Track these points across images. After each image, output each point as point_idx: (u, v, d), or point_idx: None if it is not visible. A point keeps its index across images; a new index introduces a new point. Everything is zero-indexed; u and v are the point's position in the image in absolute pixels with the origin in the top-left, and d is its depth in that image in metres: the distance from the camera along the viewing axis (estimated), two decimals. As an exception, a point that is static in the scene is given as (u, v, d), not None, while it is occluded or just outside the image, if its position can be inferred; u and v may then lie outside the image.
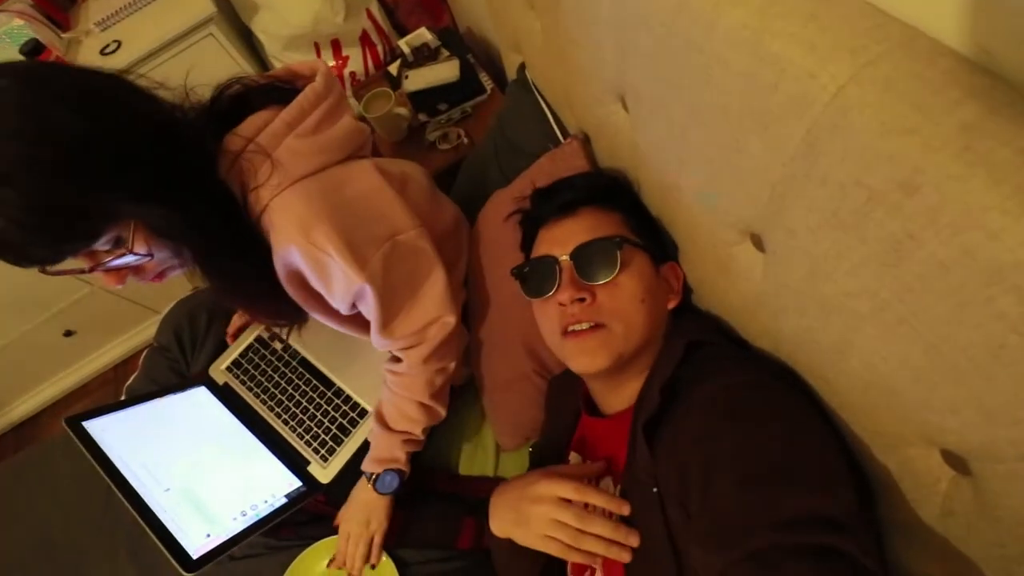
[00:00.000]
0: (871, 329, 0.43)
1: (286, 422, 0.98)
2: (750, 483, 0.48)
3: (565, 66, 0.80)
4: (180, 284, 1.13)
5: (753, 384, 0.56)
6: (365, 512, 0.87)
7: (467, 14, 1.51)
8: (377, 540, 0.87)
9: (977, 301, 0.33)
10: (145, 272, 0.66)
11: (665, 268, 0.73)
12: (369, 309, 0.76)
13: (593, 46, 0.67)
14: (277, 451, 0.95)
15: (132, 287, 0.99)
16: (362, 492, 0.88)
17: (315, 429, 0.97)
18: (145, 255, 0.62)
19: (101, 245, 0.59)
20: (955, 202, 0.32)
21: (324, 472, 0.94)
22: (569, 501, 0.59)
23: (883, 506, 0.54)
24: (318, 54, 1.54)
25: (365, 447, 0.94)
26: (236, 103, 0.72)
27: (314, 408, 0.99)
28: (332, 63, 1.56)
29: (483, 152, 1.12)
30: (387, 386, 0.88)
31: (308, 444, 0.96)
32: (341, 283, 0.71)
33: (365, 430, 0.96)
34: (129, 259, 0.62)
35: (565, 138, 0.93)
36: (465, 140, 1.30)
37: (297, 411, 0.99)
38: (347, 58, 1.56)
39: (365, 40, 1.56)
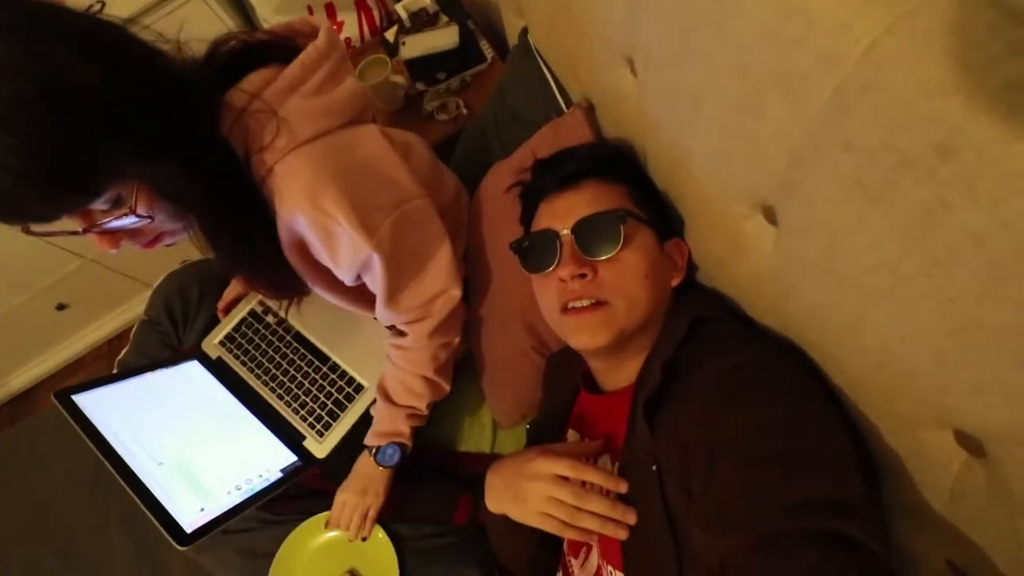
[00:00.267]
0: (890, 306, 0.40)
1: (281, 397, 0.97)
2: (755, 466, 0.47)
3: (570, 28, 0.76)
4: (172, 256, 1.11)
5: (758, 363, 0.54)
6: (364, 483, 0.87)
7: (467, -23, 1.45)
8: (372, 513, 0.86)
9: (1013, 275, 0.31)
10: (141, 236, 0.63)
11: (670, 244, 0.71)
12: (375, 279, 0.73)
13: (601, 2, 0.63)
14: (272, 426, 0.94)
15: (125, 259, 0.97)
16: (363, 464, 0.88)
17: (310, 404, 0.96)
18: (145, 216, 0.58)
19: (100, 204, 0.55)
20: (996, 167, 0.29)
21: (320, 447, 0.93)
22: (566, 478, 0.58)
23: (890, 488, 0.53)
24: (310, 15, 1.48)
25: (361, 422, 0.93)
26: (233, 60, 0.67)
27: (309, 383, 0.97)
28: (326, 28, 1.50)
29: (483, 122, 1.08)
30: (391, 361, 0.86)
31: (304, 419, 0.95)
32: (348, 251, 0.69)
33: (361, 405, 0.94)
34: (129, 220, 0.58)
35: (568, 107, 0.89)
36: (464, 111, 1.26)
37: (292, 386, 0.97)
38: (342, 23, 1.50)
39: (360, 4, 1.50)
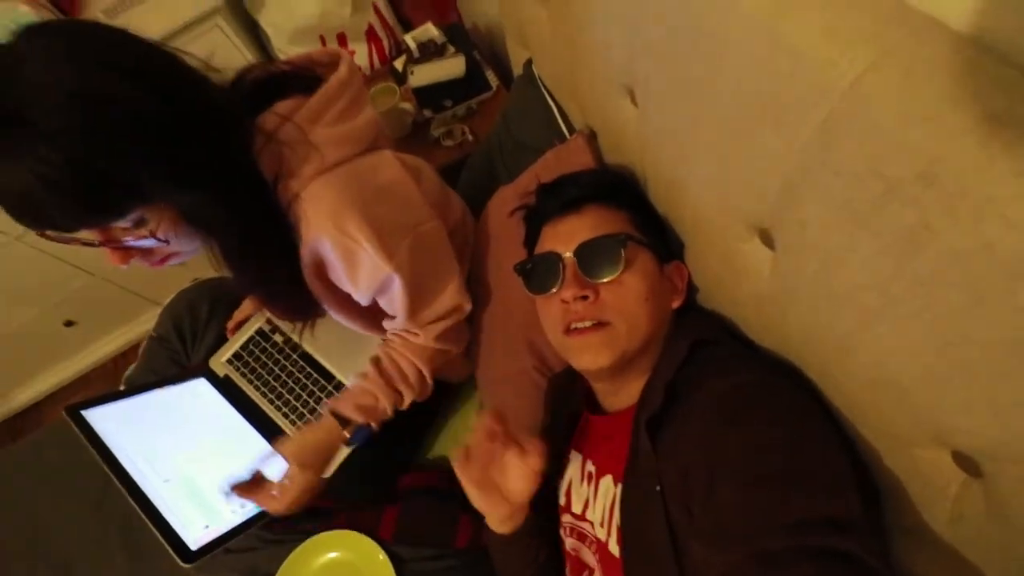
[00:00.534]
0: (882, 325, 0.42)
1: (286, 415, 0.98)
2: (755, 484, 0.47)
3: (573, 59, 0.79)
4: (181, 274, 1.13)
5: (757, 383, 0.55)
6: (316, 457, 0.80)
7: (474, 10, 1.51)
8: (294, 496, 0.78)
9: (996, 294, 0.32)
10: (153, 255, 0.64)
11: (670, 267, 0.72)
12: (394, 299, 0.75)
13: (603, 35, 0.66)
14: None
15: (134, 277, 0.99)
16: (325, 435, 0.82)
17: (315, 423, 0.96)
18: (163, 240, 0.60)
19: (122, 223, 0.57)
20: (975, 192, 0.31)
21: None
22: None
23: (891, 509, 0.53)
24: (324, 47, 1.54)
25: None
26: (257, 88, 0.70)
27: (314, 402, 0.98)
28: (338, 57, 1.55)
29: (488, 148, 1.11)
30: (390, 346, 0.85)
31: (307, 437, 0.95)
32: (368, 273, 0.71)
33: (365, 424, 0.95)
34: (147, 242, 0.60)
35: (571, 134, 0.92)
36: (470, 137, 1.30)
37: (297, 404, 0.98)
38: (353, 52, 1.56)
39: (371, 35, 1.55)
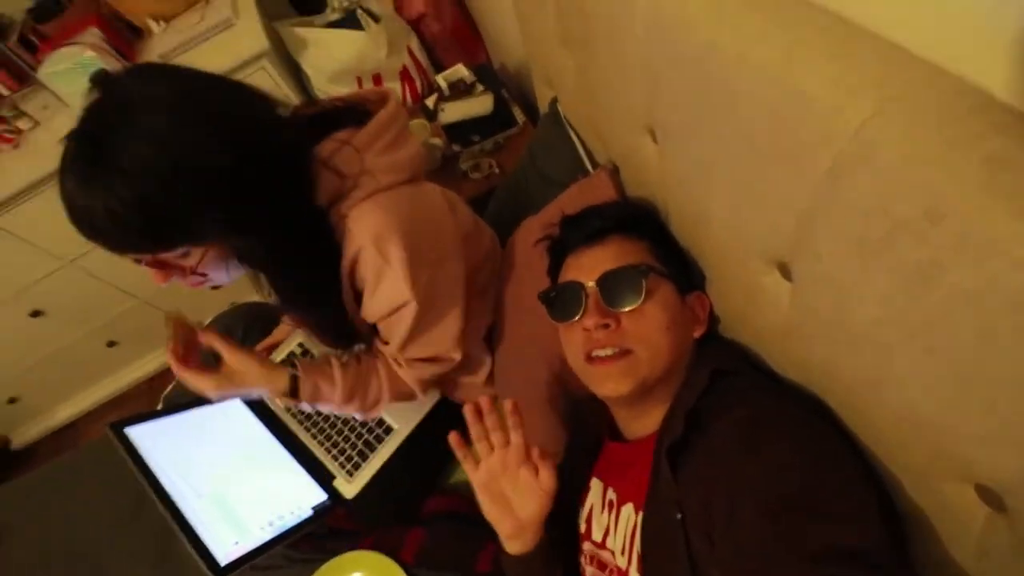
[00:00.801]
0: (900, 359, 0.43)
1: (314, 436, 1.01)
2: (775, 513, 0.47)
3: (596, 100, 0.83)
4: (218, 298, 1.19)
5: (779, 412, 0.56)
6: (244, 381, 0.78)
7: (502, 51, 1.58)
8: (211, 387, 0.77)
9: (1004, 329, 0.33)
10: (192, 278, 0.69)
11: (691, 297, 0.73)
12: (398, 325, 0.78)
13: (623, 83, 0.70)
14: (305, 464, 0.98)
15: (175, 300, 1.04)
16: (267, 379, 0.79)
17: (342, 444, 0.99)
18: (201, 274, 0.66)
19: (169, 254, 0.62)
20: (979, 231, 0.33)
21: (349, 487, 0.95)
22: None
23: (917, 543, 0.53)
24: (360, 87, 1.63)
25: (390, 463, 0.95)
26: (314, 122, 0.75)
27: (342, 423, 1.01)
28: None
29: (514, 181, 1.15)
30: (378, 362, 0.86)
31: (335, 459, 0.98)
32: (387, 295, 0.74)
33: (390, 447, 0.97)
34: (190, 277, 0.66)
35: (594, 169, 0.95)
36: (496, 170, 1.35)
37: (325, 426, 1.01)
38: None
39: (405, 75, 1.64)
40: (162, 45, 1.51)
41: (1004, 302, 0.33)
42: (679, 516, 0.55)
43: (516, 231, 1.01)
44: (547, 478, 0.65)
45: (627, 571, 0.63)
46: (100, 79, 0.58)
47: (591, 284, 0.69)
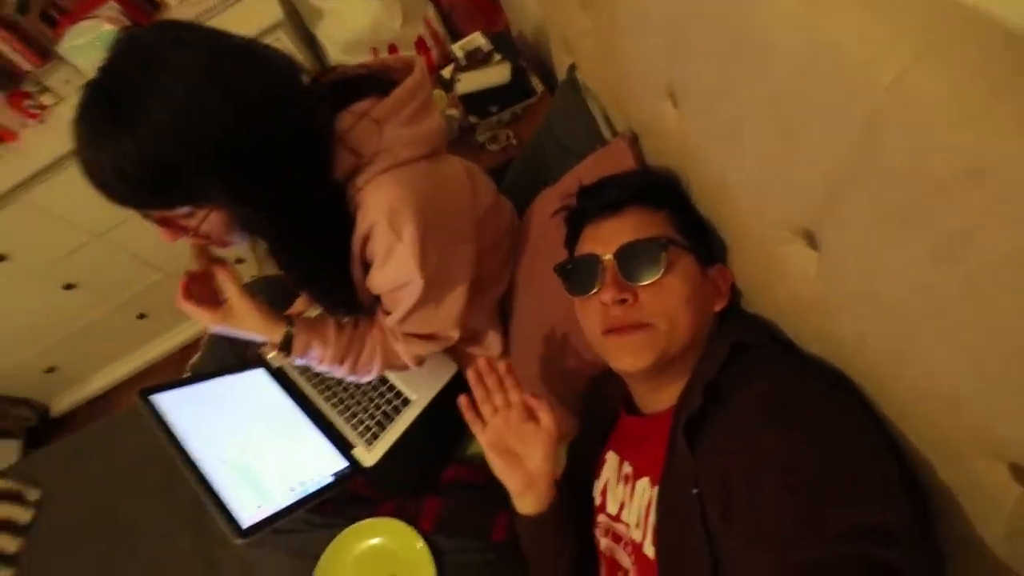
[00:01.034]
0: (930, 330, 0.41)
1: (334, 406, 1.03)
2: (797, 489, 0.46)
3: (615, 63, 0.80)
4: (242, 271, 1.20)
5: (801, 385, 0.54)
6: (241, 323, 0.77)
7: (521, 18, 1.53)
8: (209, 320, 0.77)
9: (1050, 297, 0.31)
10: (194, 238, 0.69)
11: (713, 270, 0.71)
12: (401, 300, 0.78)
13: (644, 40, 0.67)
14: (326, 432, 1.00)
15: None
16: (264, 327, 0.79)
17: (361, 414, 1.01)
18: (204, 236, 0.66)
19: (172, 211, 0.63)
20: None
21: (369, 455, 0.97)
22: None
23: (944, 524, 0.51)
24: (375, 58, 1.60)
25: (408, 434, 0.96)
26: (336, 89, 0.74)
27: (360, 394, 1.02)
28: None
29: (531, 152, 1.13)
30: (376, 328, 0.86)
31: (354, 428, 1.00)
32: (395, 269, 0.74)
33: (408, 417, 0.99)
34: (194, 237, 0.66)
35: (613, 137, 0.93)
36: (514, 141, 1.32)
37: (345, 396, 1.03)
38: (403, 61, 1.62)
39: (421, 45, 1.60)
40: (178, 16, 1.50)
41: (1052, 266, 0.30)
42: (695, 491, 0.55)
43: (533, 202, 0.99)
44: (545, 419, 0.68)
45: (642, 544, 0.63)
46: (128, 34, 0.58)
47: (608, 257, 0.67)
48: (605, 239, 0.69)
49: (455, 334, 0.85)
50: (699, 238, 0.72)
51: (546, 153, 1.07)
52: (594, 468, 0.77)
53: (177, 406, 0.92)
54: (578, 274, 0.71)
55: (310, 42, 1.65)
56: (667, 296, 0.65)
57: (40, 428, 2.04)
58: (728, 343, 0.62)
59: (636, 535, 0.65)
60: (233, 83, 0.58)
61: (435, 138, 0.75)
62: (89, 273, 1.70)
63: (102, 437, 1.37)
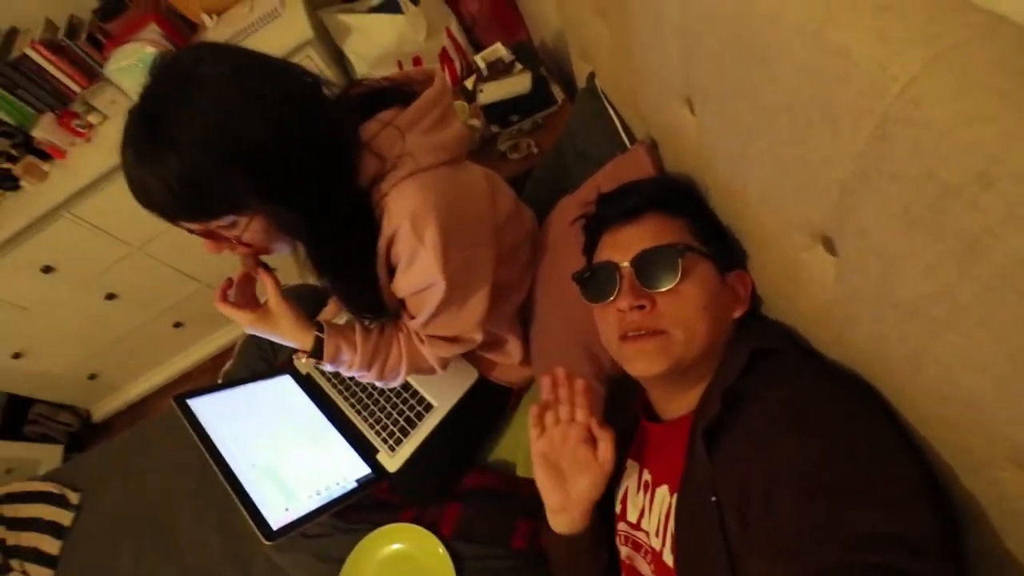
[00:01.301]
0: (949, 335, 0.40)
1: (359, 412, 1.05)
2: (817, 495, 0.46)
3: (632, 71, 0.81)
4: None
5: (821, 391, 0.54)
6: (275, 328, 0.81)
7: (541, 27, 1.56)
8: (245, 321, 0.81)
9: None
10: (239, 248, 0.73)
11: (732, 276, 0.71)
12: (424, 303, 0.80)
13: (659, 48, 0.67)
14: (350, 438, 1.02)
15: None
16: (295, 333, 0.82)
17: (385, 420, 1.03)
18: (247, 244, 0.70)
19: (216, 223, 0.66)
20: (1037, 194, 0.30)
21: (391, 461, 0.99)
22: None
23: (969, 533, 0.50)
24: (400, 71, 1.64)
25: (430, 440, 0.98)
26: (361, 101, 0.78)
27: (384, 400, 1.04)
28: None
29: (552, 160, 1.14)
30: (400, 332, 0.88)
31: (378, 434, 1.02)
32: (418, 273, 0.76)
33: (431, 424, 1.00)
34: (238, 247, 0.70)
35: (632, 144, 0.93)
36: (535, 150, 1.34)
37: (369, 403, 1.05)
38: (427, 74, 1.65)
39: (444, 57, 1.64)
40: (215, 37, 1.57)
41: (1066, 271, 0.30)
42: (714, 499, 0.54)
43: (553, 210, 1.00)
44: (605, 450, 0.65)
45: (661, 552, 0.63)
46: (163, 58, 0.63)
47: (625, 264, 0.67)
48: (622, 246, 0.70)
49: (478, 336, 0.87)
50: (718, 244, 0.71)
51: (566, 161, 1.08)
52: (614, 476, 0.76)
53: (210, 410, 0.96)
54: (596, 281, 0.71)
55: (338, 57, 1.70)
56: (684, 303, 0.65)
57: (81, 433, 2.14)
58: (747, 349, 0.62)
59: (656, 543, 0.64)
60: (259, 92, 0.62)
61: (456, 146, 0.78)
62: (129, 284, 1.78)
63: (139, 442, 1.43)
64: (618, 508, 0.74)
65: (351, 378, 1.08)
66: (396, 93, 0.79)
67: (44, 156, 1.53)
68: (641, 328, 0.65)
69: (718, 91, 0.58)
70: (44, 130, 1.51)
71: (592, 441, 0.67)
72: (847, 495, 0.45)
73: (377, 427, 1.03)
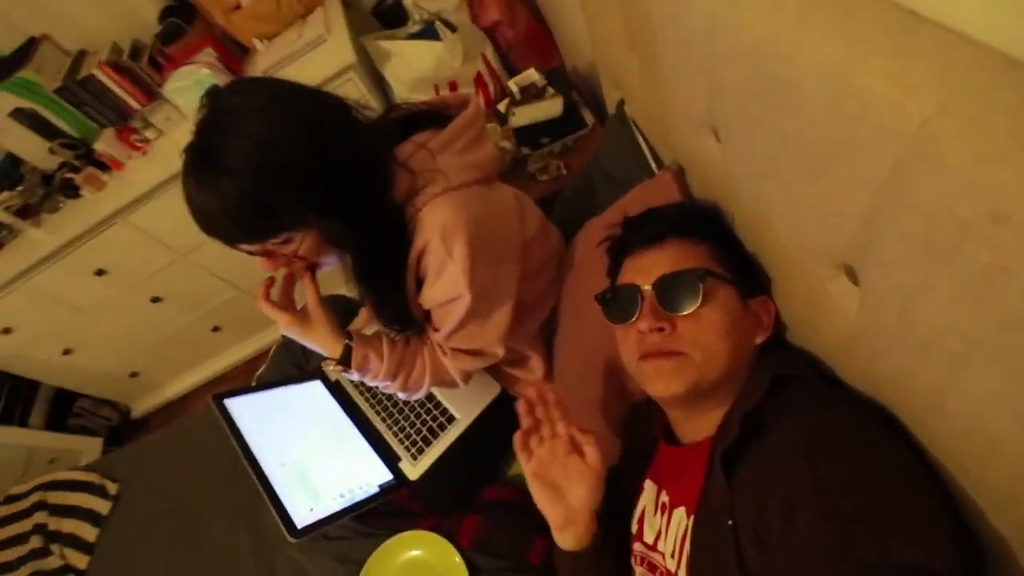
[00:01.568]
0: (968, 369, 0.40)
1: (384, 420, 1.08)
2: (836, 522, 0.46)
3: (660, 101, 0.83)
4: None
5: (843, 419, 0.54)
6: (309, 333, 0.84)
7: (574, 54, 1.60)
8: (277, 318, 0.83)
9: (1079, 339, 0.31)
10: (295, 263, 0.78)
11: (755, 302, 0.71)
12: (449, 316, 0.83)
13: (686, 81, 0.70)
14: (375, 444, 1.05)
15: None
16: (326, 340, 0.85)
17: (408, 429, 1.05)
18: (301, 257, 0.75)
19: (273, 241, 0.71)
20: (1050, 233, 0.31)
21: (413, 469, 1.01)
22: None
23: (997, 572, 0.49)
24: (436, 95, 1.71)
25: (451, 450, 1.00)
26: (400, 123, 0.83)
27: (408, 409, 1.07)
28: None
29: (580, 183, 1.17)
30: (425, 346, 0.90)
31: (401, 442, 1.05)
32: (445, 287, 0.79)
33: (452, 435, 1.02)
34: (295, 262, 0.75)
35: (659, 170, 0.95)
36: (564, 172, 1.37)
37: (394, 411, 1.08)
38: (462, 97, 1.71)
39: (479, 81, 1.70)
40: (265, 61, 1.67)
41: (1079, 309, 0.30)
42: (730, 523, 0.54)
43: (580, 231, 1.02)
44: (592, 454, 0.67)
45: (676, 574, 0.63)
46: (209, 94, 0.69)
47: (647, 287, 0.68)
48: (645, 270, 0.71)
49: (500, 351, 0.89)
50: (741, 271, 0.71)
51: (595, 184, 1.11)
52: (631, 496, 0.77)
53: (245, 411, 1.00)
54: (618, 303, 0.73)
55: (379, 81, 1.78)
56: (705, 327, 0.66)
57: (120, 428, 2.23)
58: (769, 375, 0.62)
59: (671, 565, 0.64)
60: (299, 114, 0.68)
61: (487, 166, 0.82)
62: (174, 288, 1.87)
63: (174, 439, 1.49)
64: (634, 528, 0.74)
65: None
66: (432, 116, 0.83)
67: (103, 167, 1.65)
68: (660, 348, 0.66)
69: (741, 124, 0.60)
70: (105, 143, 1.63)
71: (579, 449, 0.68)
72: (867, 522, 0.45)
73: (400, 435, 1.05)
